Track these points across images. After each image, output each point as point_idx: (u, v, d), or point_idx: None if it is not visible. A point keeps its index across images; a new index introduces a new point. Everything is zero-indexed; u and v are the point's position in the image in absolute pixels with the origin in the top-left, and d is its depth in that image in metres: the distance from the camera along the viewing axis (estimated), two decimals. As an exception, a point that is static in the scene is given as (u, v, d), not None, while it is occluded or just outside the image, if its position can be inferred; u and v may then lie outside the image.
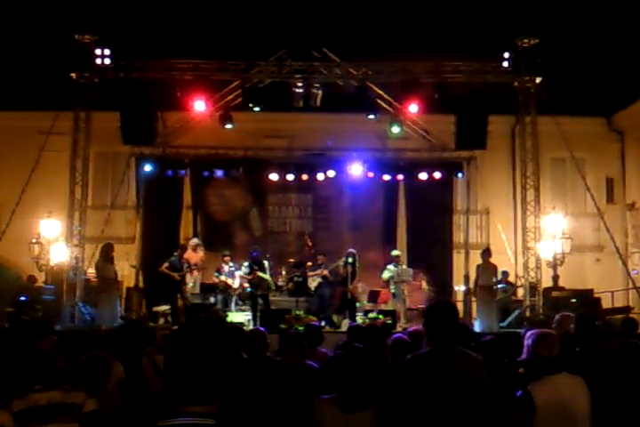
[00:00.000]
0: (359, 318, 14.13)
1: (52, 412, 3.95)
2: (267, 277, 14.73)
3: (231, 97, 16.20)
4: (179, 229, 17.53)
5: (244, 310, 15.14)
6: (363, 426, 4.07)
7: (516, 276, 15.61)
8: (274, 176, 16.92)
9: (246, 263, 14.85)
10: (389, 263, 15.01)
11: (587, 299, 14.70)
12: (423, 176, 16.90)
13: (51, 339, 4.49)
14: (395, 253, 15.27)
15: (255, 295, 14.60)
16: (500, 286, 14.90)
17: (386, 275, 14.86)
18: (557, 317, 6.67)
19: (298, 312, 13.88)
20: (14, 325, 12.06)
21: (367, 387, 4.18)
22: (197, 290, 15.62)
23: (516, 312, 14.62)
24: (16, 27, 18.45)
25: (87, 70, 14.96)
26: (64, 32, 15.60)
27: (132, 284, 16.33)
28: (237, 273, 15.19)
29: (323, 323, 13.14)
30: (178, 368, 2.22)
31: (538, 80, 15.00)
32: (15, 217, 14.83)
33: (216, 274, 15.19)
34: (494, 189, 18.25)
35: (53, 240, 16.59)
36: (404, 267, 15.11)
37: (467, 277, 15.90)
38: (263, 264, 14.90)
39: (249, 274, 14.67)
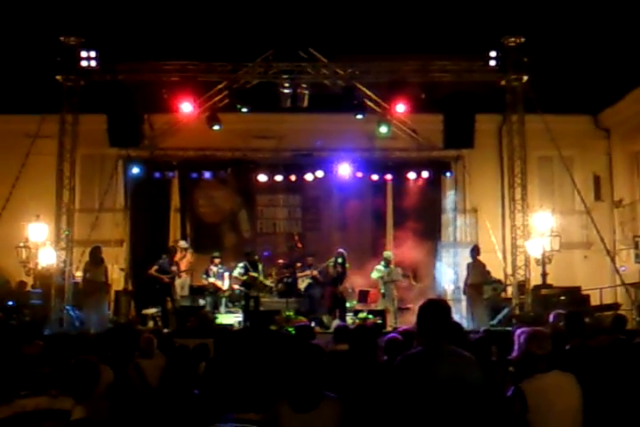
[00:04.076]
0: (349, 318, 14.14)
1: (38, 418, 3.90)
2: (261, 277, 14.78)
3: (218, 98, 16.15)
4: (167, 231, 17.46)
5: (233, 312, 15.11)
6: (316, 424, 4.08)
7: (505, 274, 15.64)
8: (262, 177, 16.91)
9: (241, 264, 14.86)
10: (379, 264, 15.03)
11: (575, 296, 14.75)
12: (411, 176, 16.97)
13: (37, 344, 4.44)
14: (387, 253, 15.30)
15: (249, 296, 14.59)
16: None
17: (375, 275, 14.89)
18: (552, 315, 6.67)
19: (288, 313, 13.89)
20: (1, 330, 11.96)
21: (314, 386, 4.19)
22: (187, 292, 15.57)
23: (506, 310, 14.64)
24: (0, 29, 18.31)
25: (73, 73, 14.86)
26: (49, 34, 15.50)
27: (120, 287, 16.26)
28: (226, 274, 15.17)
29: (313, 324, 13.12)
30: (235, 374, 2.20)
31: (525, 79, 15.04)
32: (2, 221, 14.73)
33: (204, 276, 15.16)
34: (482, 188, 18.28)
35: (41, 244, 16.47)
36: (394, 267, 15.13)
37: (455, 276, 15.95)
38: (257, 266, 14.92)
39: (243, 275, 14.67)
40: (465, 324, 13.17)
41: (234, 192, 17.51)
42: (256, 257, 15.16)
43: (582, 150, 19.39)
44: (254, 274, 14.71)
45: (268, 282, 15.31)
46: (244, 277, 14.67)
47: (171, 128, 16.99)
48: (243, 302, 14.87)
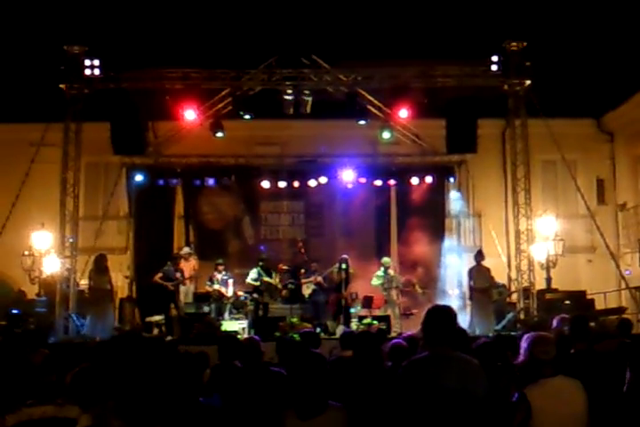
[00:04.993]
0: (353, 324, 14.12)
1: (45, 426, 3.91)
2: (273, 281, 14.86)
3: (221, 105, 16.20)
4: (171, 238, 17.47)
5: (238, 319, 15.10)
6: None
7: (510, 278, 15.62)
8: (266, 184, 16.93)
9: (254, 270, 14.90)
10: (379, 270, 15.03)
11: (580, 300, 14.72)
12: (415, 181, 16.97)
13: (42, 352, 4.44)
14: (385, 260, 15.28)
15: (258, 303, 14.62)
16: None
17: (375, 282, 14.92)
18: (556, 319, 6.65)
19: (292, 320, 13.86)
20: (6, 338, 11.97)
21: (318, 393, 4.23)
22: (191, 299, 15.57)
23: (510, 315, 14.61)
24: (4, 38, 18.41)
25: (77, 81, 14.91)
26: (53, 43, 15.57)
27: (125, 294, 16.28)
28: (230, 281, 15.19)
29: (317, 330, 13.11)
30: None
31: (527, 83, 15.04)
32: (6, 229, 14.76)
33: (208, 283, 15.17)
34: (486, 193, 18.29)
35: (45, 252, 16.50)
36: (393, 273, 15.11)
37: (460, 281, 15.93)
38: (270, 271, 14.99)
39: (256, 280, 14.71)
40: (469, 329, 13.14)
41: (237, 199, 17.52)
42: (261, 263, 15.19)
43: (585, 154, 19.37)
44: (268, 279, 14.77)
45: (280, 286, 15.41)
46: (257, 283, 14.73)
47: (174, 135, 17.04)
48: (247, 309, 14.89)
